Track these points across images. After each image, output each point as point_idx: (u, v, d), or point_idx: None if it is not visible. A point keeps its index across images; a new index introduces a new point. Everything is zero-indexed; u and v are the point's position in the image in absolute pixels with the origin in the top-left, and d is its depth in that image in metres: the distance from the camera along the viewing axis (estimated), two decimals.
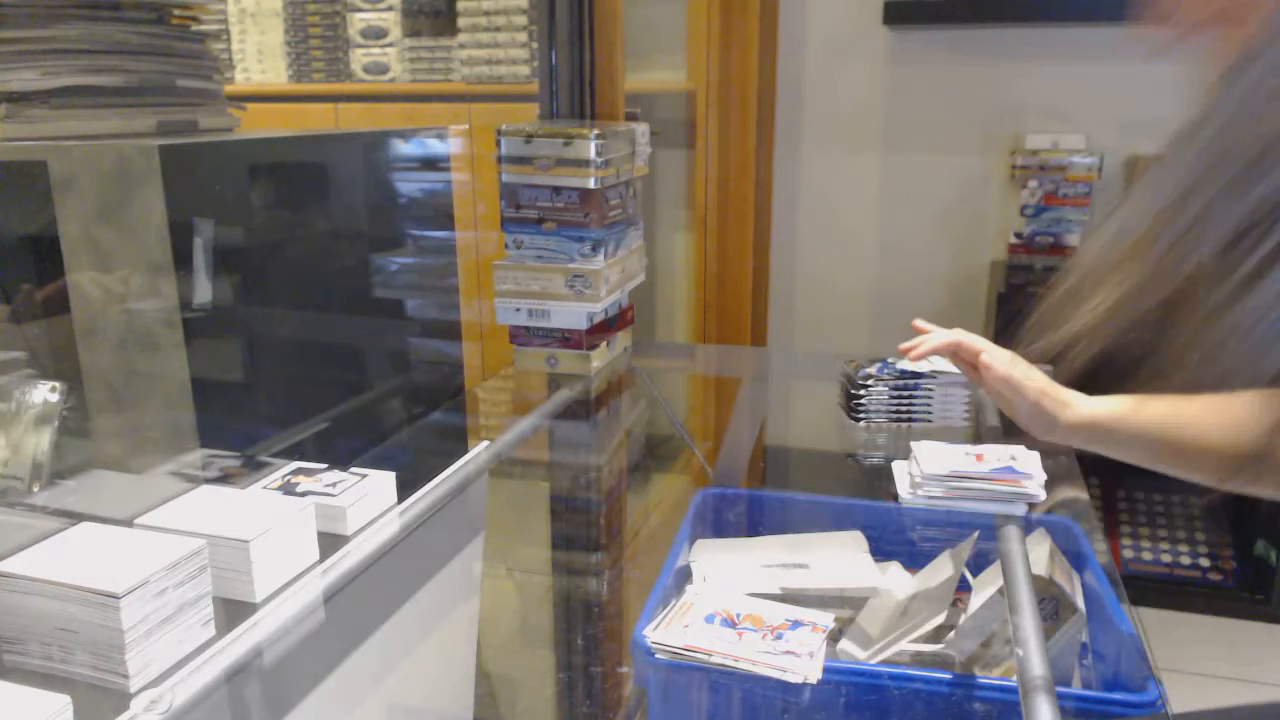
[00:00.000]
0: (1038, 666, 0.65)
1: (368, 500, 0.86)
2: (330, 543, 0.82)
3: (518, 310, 1.45)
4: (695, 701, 0.79)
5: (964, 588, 0.92)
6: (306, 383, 1.20)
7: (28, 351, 1.01)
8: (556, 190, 1.39)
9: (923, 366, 1.32)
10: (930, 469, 1.04)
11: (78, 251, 0.97)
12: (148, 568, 0.63)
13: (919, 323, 1.15)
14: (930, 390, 1.28)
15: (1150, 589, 2.25)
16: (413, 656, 0.88)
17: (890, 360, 1.33)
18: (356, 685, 0.79)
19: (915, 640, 0.85)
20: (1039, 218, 2.32)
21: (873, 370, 1.29)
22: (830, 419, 1.37)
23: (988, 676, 0.78)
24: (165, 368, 0.97)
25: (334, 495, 0.85)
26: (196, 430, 0.98)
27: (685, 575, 0.95)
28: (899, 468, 1.11)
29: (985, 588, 0.87)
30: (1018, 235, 2.34)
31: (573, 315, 1.43)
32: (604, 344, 1.49)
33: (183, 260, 0.96)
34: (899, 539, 1.02)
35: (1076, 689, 0.82)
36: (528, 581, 1.11)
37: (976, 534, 0.91)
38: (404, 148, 1.38)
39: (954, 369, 1.35)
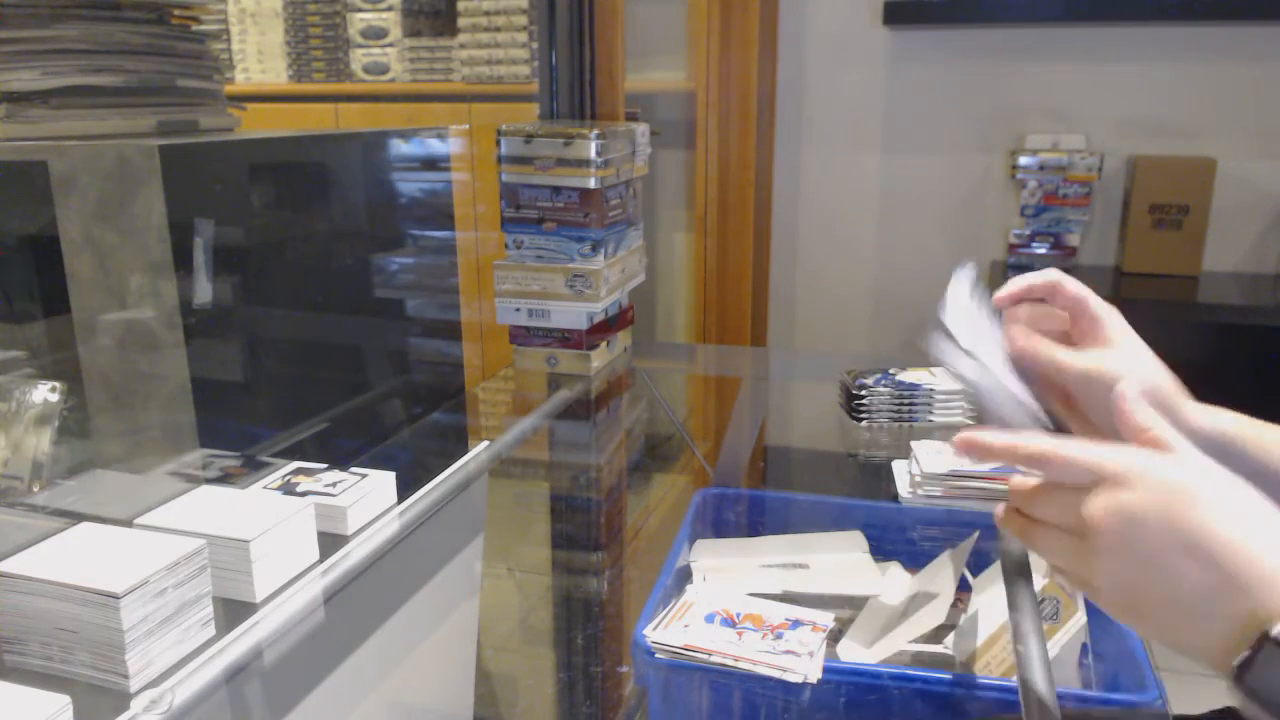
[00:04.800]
0: (1038, 667, 0.65)
1: (368, 500, 0.86)
2: (330, 543, 0.82)
3: (518, 310, 1.45)
4: (695, 701, 0.79)
5: (964, 588, 0.92)
6: (306, 383, 1.20)
7: (28, 351, 1.01)
8: (556, 190, 1.39)
9: (923, 377, 1.32)
10: (930, 469, 1.04)
11: (78, 251, 0.97)
12: (148, 568, 0.63)
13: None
14: (930, 391, 1.28)
15: None
16: (413, 656, 0.88)
17: (890, 371, 1.33)
18: (356, 685, 0.79)
19: (915, 640, 0.85)
20: (1039, 218, 2.32)
21: (869, 381, 1.29)
22: (830, 419, 1.37)
23: (988, 676, 0.78)
24: (165, 368, 0.97)
25: (334, 495, 0.85)
26: (196, 430, 0.98)
27: (685, 575, 0.95)
28: (899, 467, 1.11)
29: (985, 588, 0.87)
30: (1018, 235, 2.34)
31: (573, 315, 1.43)
32: (604, 344, 1.49)
33: (183, 260, 0.96)
34: (899, 539, 1.02)
35: (1076, 689, 0.82)
36: (528, 581, 1.11)
37: (976, 534, 0.91)
38: (404, 148, 1.38)
39: (954, 379, 1.34)
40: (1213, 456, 0.58)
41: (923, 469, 1.04)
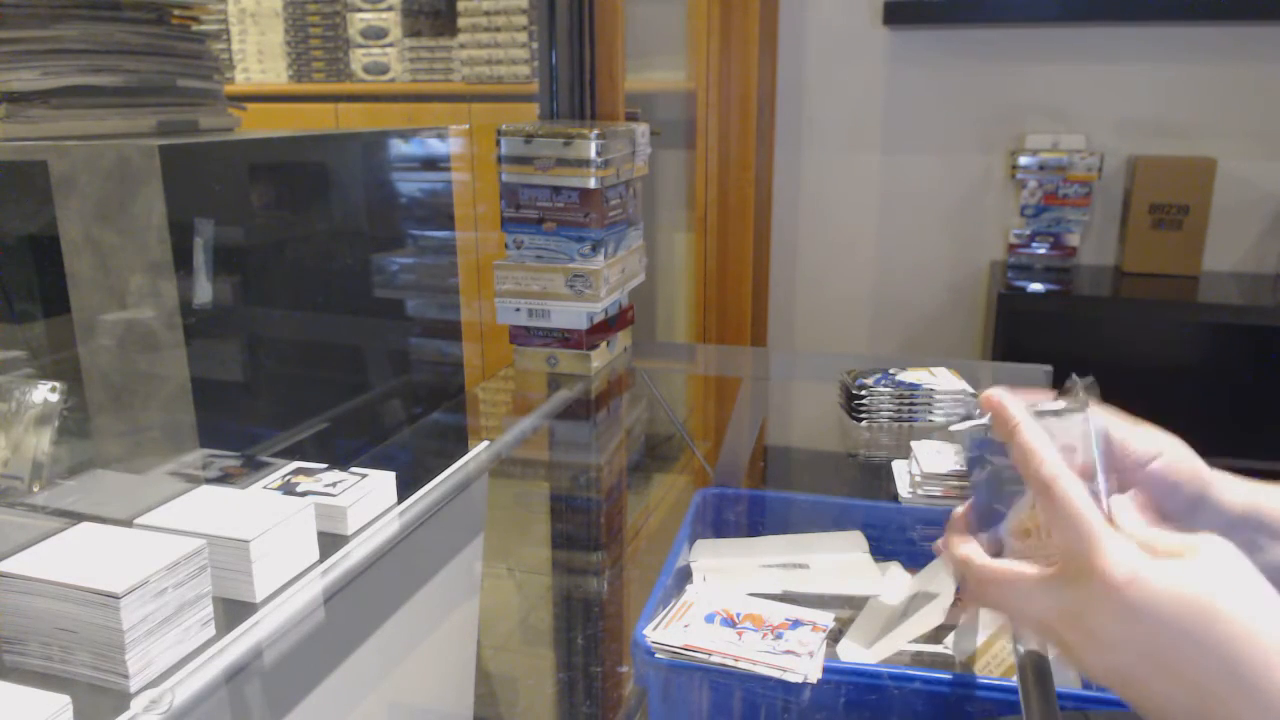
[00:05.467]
0: (1038, 666, 0.65)
1: (368, 500, 0.86)
2: (330, 543, 0.82)
3: (518, 310, 1.45)
4: (695, 701, 0.79)
5: None
6: (306, 383, 1.20)
7: (28, 351, 1.01)
8: (556, 190, 1.39)
9: (923, 377, 1.32)
10: (930, 468, 1.04)
11: (78, 251, 0.97)
12: (148, 568, 0.63)
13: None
14: (930, 391, 1.28)
15: None
16: (413, 656, 0.88)
17: (890, 371, 1.33)
18: (356, 685, 0.79)
19: (915, 640, 0.85)
20: (1039, 218, 2.32)
21: (869, 381, 1.29)
22: (830, 419, 1.37)
23: (988, 676, 0.78)
24: (165, 368, 0.97)
25: (334, 495, 0.85)
26: (196, 430, 0.98)
27: (685, 575, 0.95)
28: (899, 467, 1.11)
29: None
30: (1018, 235, 2.34)
31: (573, 315, 1.43)
32: (604, 344, 1.49)
33: (183, 260, 0.96)
34: (899, 539, 1.02)
35: (1076, 689, 0.82)
36: (528, 581, 1.11)
37: None
38: (404, 148, 1.38)
39: (956, 378, 1.35)
40: (1246, 536, 0.55)
41: (923, 469, 1.04)
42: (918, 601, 0.88)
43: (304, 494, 0.84)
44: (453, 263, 1.50)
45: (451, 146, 1.50)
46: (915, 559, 0.99)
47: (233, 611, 0.71)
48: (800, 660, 0.76)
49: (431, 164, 1.45)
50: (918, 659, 0.85)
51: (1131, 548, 0.46)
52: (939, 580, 0.89)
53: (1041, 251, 2.33)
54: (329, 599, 0.77)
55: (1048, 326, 2.39)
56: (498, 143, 1.40)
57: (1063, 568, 0.48)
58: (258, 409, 1.11)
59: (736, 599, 0.86)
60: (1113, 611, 0.45)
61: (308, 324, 1.21)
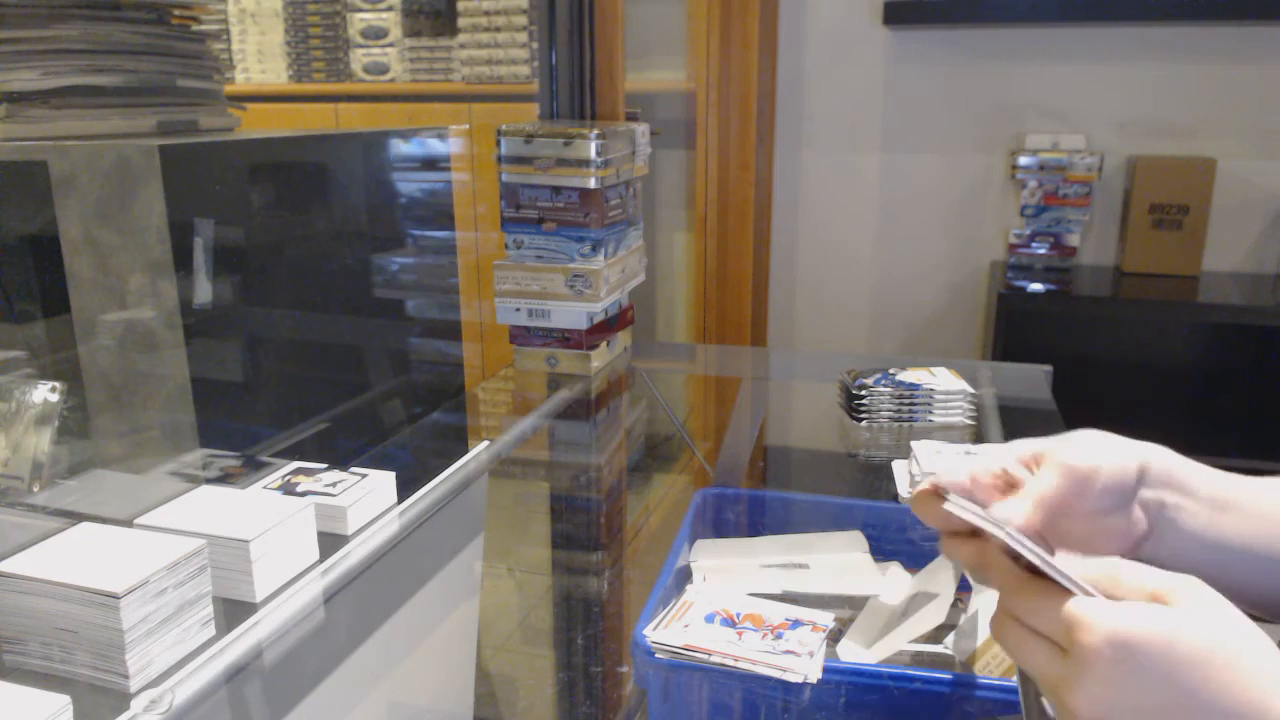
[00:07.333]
0: None
1: (368, 500, 0.86)
2: (330, 543, 0.82)
3: (518, 310, 1.45)
4: (695, 701, 0.79)
5: (964, 588, 0.92)
6: (306, 383, 1.20)
7: (28, 351, 1.01)
8: (556, 190, 1.39)
9: (923, 377, 1.32)
10: (930, 469, 1.04)
11: (78, 251, 0.97)
12: (148, 568, 0.63)
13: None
14: (930, 391, 1.28)
15: None
16: (413, 656, 0.88)
17: (890, 371, 1.33)
18: (357, 685, 0.79)
19: (915, 640, 0.85)
20: (1039, 218, 2.32)
21: (869, 381, 1.29)
22: (830, 419, 1.37)
23: (988, 676, 0.78)
24: (165, 368, 0.97)
25: (334, 495, 0.85)
26: (196, 430, 0.99)
27: (685, 575, 0.95)
28: (899, 467, 1.11)
29: (985, 587, 0.87)
30: (1018, 235, 2.34)
31: (573, 315, 1.43)
32: (604, 344, 1.49)
33: (183, 260, 0.96)
34: (899, 539, 1.02)
35: None
36: (528, 581, 1.11)
37: None
38: (404, 148, 1.38)
39: (956, 378, 1.35)
40: (1211, 519, 0.54)
41: (923, 469, 1.04)
42: (918, 601, 0.88)
43: (304, 494, 0.84)
44: (453, 263, 1.51)
45: (451, 146, 1.50)
46: (915, 559, 0.99)
47: (233, 611, 0.71)
48: (800, 660, 0.76)
49: (431, 164, 1.45)
50: (918, 659, 0.85)
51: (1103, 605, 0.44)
52: (939, 580, 0.89)
53: (1041, 251, 2.33)
54: (329, 599, 0.77)
55: (1048, 326, 2.39)
56: (498, 143, 1.40)
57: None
58: (258, 409, 1.11)
59: (736, 599, 0.86)
60: (1106, 674, 0.42)
61: (308, 324, 1.21)
